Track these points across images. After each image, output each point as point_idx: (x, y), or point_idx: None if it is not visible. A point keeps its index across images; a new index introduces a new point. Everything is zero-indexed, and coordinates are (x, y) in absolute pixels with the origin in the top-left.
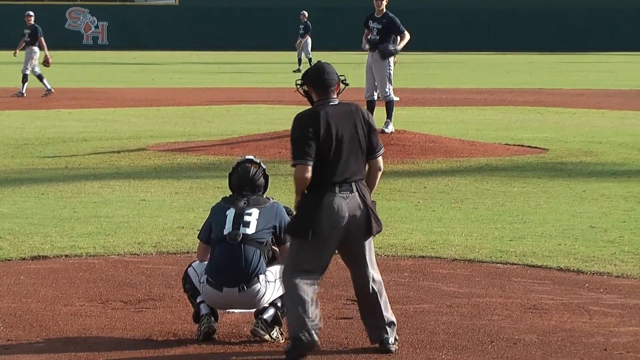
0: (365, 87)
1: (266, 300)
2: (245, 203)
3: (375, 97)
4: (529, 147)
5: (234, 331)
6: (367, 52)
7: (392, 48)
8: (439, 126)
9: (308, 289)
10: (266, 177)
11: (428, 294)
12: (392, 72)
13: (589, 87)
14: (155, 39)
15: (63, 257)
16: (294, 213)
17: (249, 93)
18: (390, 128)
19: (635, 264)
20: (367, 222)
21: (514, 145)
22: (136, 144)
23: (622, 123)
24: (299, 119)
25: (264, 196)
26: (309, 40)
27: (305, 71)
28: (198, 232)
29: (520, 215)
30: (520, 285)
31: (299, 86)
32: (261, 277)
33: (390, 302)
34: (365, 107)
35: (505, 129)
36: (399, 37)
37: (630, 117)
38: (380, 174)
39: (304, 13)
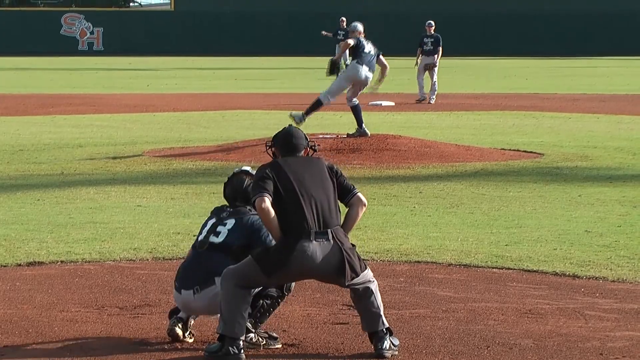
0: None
1: None
2: (227, 214)
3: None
4: (525, 151)
5: None
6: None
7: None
8: (434, 131)
9: (246, 301)
10: None
11: (424, 299)
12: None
13: (584, 91)
14: (151, 45)
15: (59, 263)
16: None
17: (245, 99)
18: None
19: (631, 268)
20: (340, 270)
21: (510, 150)
22: (132, 149)
23: (618, 127)
24: (260, 167)
25: (249, 209)
26: None
27: (275, 134)
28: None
29: (516, 220)
30: (516, 290)
31: (268, 147)
32: (217, 279)
33: (386, 307)
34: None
35: (500, 134)
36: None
37: (625, 121)
38: (362, 212)
39: (342, 19)
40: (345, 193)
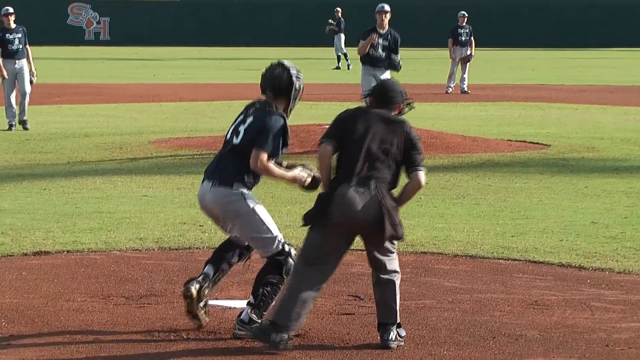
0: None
1: (238, 227)
2: (253, 110)
3: None
4: (531, 143)
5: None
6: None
7: (398, 61)
8: (440, 122)
9: (310, 293)
10: (291, 82)
11: (430, 290)
12: None
13: (591, 83)
14: (157, 35)
15: (65, 252)
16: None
17: (251, 89)
18: None
19: (637, 259)
20: (379, 223)
21: (516, 141)
22: (138, 139)
23: (624, 119)
24: (343, 111)
25: (276, 106)
26: (342, 36)
27: (375, 85)
28: None
29: (522, 211)
30: (522, 281)
31: (364, 97)
32: (235, 184)
33: None
34: None
35: (507, 125)
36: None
37: (632, 112)
38: (418, 189)
39: (338, 10)
40: (408, 166)
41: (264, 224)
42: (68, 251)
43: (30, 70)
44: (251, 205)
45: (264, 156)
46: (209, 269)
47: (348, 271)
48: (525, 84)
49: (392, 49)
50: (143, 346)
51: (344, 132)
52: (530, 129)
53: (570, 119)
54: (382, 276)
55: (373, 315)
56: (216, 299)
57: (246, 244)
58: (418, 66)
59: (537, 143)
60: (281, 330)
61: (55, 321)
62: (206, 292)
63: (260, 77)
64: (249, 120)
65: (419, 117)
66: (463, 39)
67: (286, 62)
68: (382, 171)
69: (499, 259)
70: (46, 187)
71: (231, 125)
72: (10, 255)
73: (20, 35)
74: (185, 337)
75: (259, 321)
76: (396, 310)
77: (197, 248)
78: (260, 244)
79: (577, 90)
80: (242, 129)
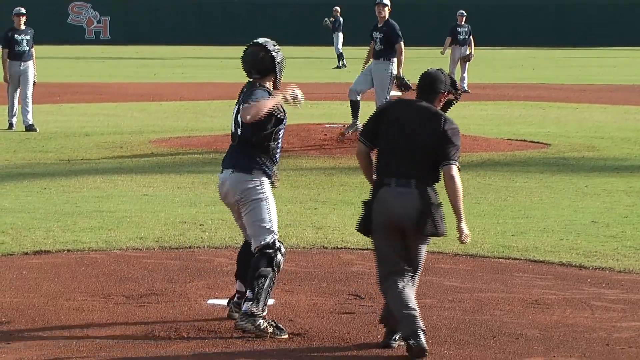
0: (352, 86)
1: (246, 212)
2: (243, 96)
3: (359, 98)
4: (531, 142)
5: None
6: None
7: (405, 81)
8: None
9: (404, 292)
10: (273, 60)
11: (430, 289)
12: (392, 84)
13: (592, 82)
14: (158, 34)
15: (65, 251)
16: None
17: None
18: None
19: (638, 259)
20: (420, 220)
21: (516, 140)
22: (138, 138)
23: (625, 118)
24: (383, 104)
25: (263, 84)
26: (340, 35)
27: (422, 74)
28: None
29: (522, 210)
30: (523, 281)
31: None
32: (255, 172)
33: None
34: (350, 107)
35: (507, 124)
36: (400, 59)
37: (632, 112)
38: (455, 184)
39: (336, 8)
40: (440, 160)
41: (269, 214)
42: (68, 250)
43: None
44: (266, 195)
45: (247, 105)
46: (239, 286)
47: (348, 270)
48: (526, 83)
49: (388, 39)
50: (143, 345)
51: (377, 129)
52: (530, 128)
53: (571, 118)
54: (410, 277)
55: (373, 314)
56: (216, 298)
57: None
58: (419, 65)
59: (538, 142)
60: (416, 336)
61: (55, 320)
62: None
63: (241, 61)
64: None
65: None
66: (462, 37)
67: (261, 41)
68: (421, 167)
69: (500, 258)
70: (47, 186)
71: (232, 117)
72: (11, 254)
73: (28, 37)
74: (185, 336)
75: (262, 317)
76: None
77: (197, 247)
78: (258, 231)
79: (578, 90)
80: (240, 118)
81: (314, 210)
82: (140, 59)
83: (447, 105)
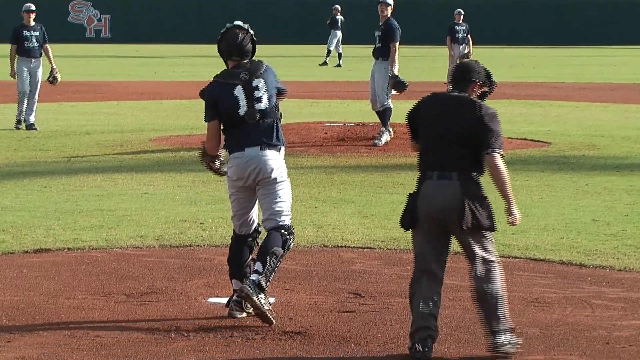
0: (370, 97)
1: (272, 190)
2: (246, 74)
3: (381, 107)
4: (532, 140)
5: (236, 324)
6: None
7: (400, 79)
8: None
9: (427, 296)
10: (254, 42)
11: None
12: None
13: (592, 80)
14: (158, 32)
15: (66, 250)
16: None
17: None
18: (385, 138)
19: (638, 257)
20: (460, 213)
21: (517, 138)
22: (139, 137)
23: (625, 116)
24: (418, 101)
25: (256, 60)
26: (338, 33)
27: (456, 65)
28: (204, 117)
29: (522, 209)
30: (523, 279)
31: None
32: (281, 150)
33: (393, 296)
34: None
35: (507, 123)
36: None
37: (633, 110)
38: (499, 172)
39: (336, 7)
40: (482, 148)
41: (290, 196)
42: (69, 249)
43: (53, 68)
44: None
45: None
46: (236, 284)
47: (349, 269)
48: (526, 82)
49: (385, 36)
50: (144, 344)
51: (416, 124)
52: (531, 127)
53: (571, 116)
54: (479, 270)
55: (374, 312)
56: (217, 296)
57: (253, 227)
58: (419, 64)
59: (538, 141)
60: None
61: (56, 319)
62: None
63: (220, 42)
64: (257, 83)
65: None
66: (460, 36)
67: (240, 23)
68: (462, 158)
69: (500, 256)
70: (47, 185)
71: (236, 101)
72: (11, 253)
73: (37, 33)
74: (186, 334)
75: (265, 291)
76: (499, 315)
77: (197, 245)
78: (280, 211)
79: (578, 88)
80: (259, 93)
81: (314, 208)
82: (141, 58)
83: (482, 97)
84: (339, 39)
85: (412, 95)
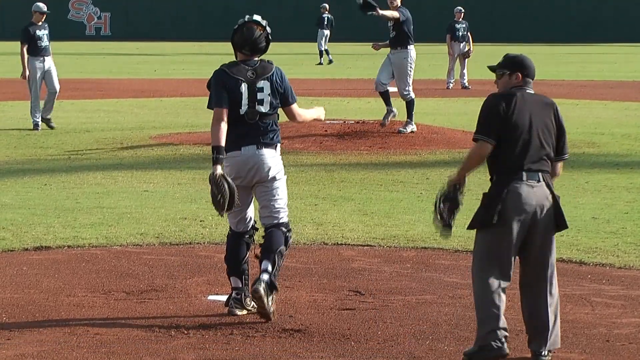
0: (376, 78)
1: (269, 188)
2: (253, 74)
3: (387, 89)
4: None
5: (236, 321)
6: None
7: (369, 1)
8: (441, 117)
9: (501, 293)
10: (268, 40)
11: (430, 285)
12: (412, 71)
13: (592, 78)
14: (158, 30)
15: (65, 247)
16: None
17: None
18: (411, 127)
19: (638, 255)
20: (556, 214)
21: None
22: (139, 134)
23: (625, 114)
24: (493, 97)
25: (266, 60)
26: (325, 32)
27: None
28: (209, 102)
29: None
30: None
31: (501, 73)
32: (277, 148)
33: (392, 293)
34: (381, 98)
35: None
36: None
37: (633, 108)
38: (555, 179)
39: (324, 5)
40: (557, 152)
41: (286, 193)
42: (69, 246)
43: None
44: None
45: (296, 107)
46: (235, 282)
47: (349, 266)
48: None
49: (399, 25)
50: (144, 341)
51: (503, 125)
52: None
53: (571, 114)
54: (541, 281)
55: (374, 310)
56: (216, 294)
57: (250, 224)
58: (419, 62)
59: None
60: (496, 346)
61: (55, 316)
62: (248, 301)
63: (235, 33)
64: (263, 84)
65: (420, 113)
66: (460, 34)
67: (258, 19)
68: (546, 161)
69: None
70: (47, 182)
71: (239, 97)
72: (11, 251)
73: (47, 31)
74: (185, 332)
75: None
76: (549, 327)
77: (197, 243)
78: (278, 208)
79: (578, 86)
80: (262, 95)
81: (314, 206)
82: (141, 55)
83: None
84: (326, 37)
85: (416, 93)
